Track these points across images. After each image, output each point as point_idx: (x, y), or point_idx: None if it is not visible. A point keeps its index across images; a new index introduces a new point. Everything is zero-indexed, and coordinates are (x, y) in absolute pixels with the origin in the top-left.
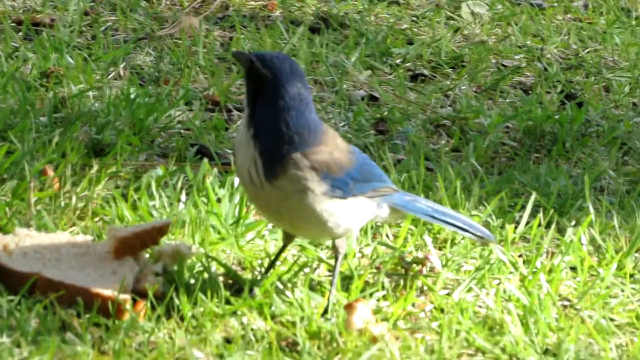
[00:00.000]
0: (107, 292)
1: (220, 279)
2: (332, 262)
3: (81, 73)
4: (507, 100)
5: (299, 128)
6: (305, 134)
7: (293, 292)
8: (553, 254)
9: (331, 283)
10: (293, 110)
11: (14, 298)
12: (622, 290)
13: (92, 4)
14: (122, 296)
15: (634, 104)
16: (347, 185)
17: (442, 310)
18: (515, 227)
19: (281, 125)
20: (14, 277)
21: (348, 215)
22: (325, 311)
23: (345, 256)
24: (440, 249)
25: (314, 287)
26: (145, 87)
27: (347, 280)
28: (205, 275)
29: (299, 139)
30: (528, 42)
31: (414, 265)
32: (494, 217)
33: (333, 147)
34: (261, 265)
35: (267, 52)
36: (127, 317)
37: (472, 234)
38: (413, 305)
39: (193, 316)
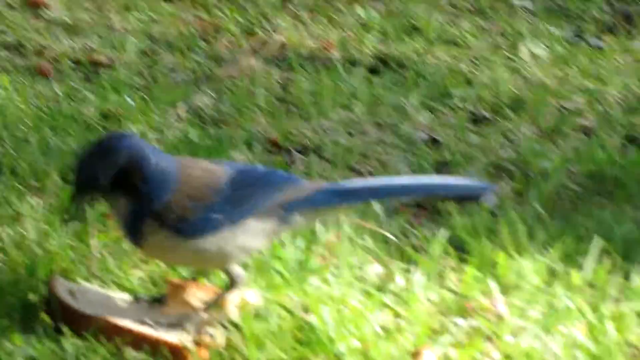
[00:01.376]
0: (172, 340)
1: (286, 325)
2: (398, 307)
3: (141, 114)
4: (569, 143)
5: (152, 196)
6: (155, 200)
7: (359, 338)
8: (618, 300)
9: (214, 299)
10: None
11: (79, 342)
12: None
13: (150, 43)
14: (188, 344)
15: None
16: (210, 220)
17: (508, 357)
18: (580, 272)
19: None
20: (79, 319)
21: (227, 246)
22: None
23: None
24: (505, 294)
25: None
26: (205, 129)
27: (413, 327)
28: (271, 321)
29: (149, 206)
30: (588, 84)
31: (480, 311)
32: (558, 262)
33: (184, 192)
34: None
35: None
36: None
37: (455, 193)
38: (480, 352)
39: None
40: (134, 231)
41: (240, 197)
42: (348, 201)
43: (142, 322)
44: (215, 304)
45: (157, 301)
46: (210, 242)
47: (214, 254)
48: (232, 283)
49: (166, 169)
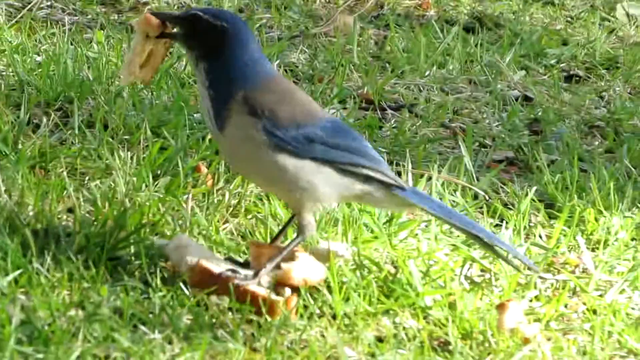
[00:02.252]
0: (260, 291)
1: (373, 277)
2: (485, 262)
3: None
4: None
5: (248, 73)
6: (252, 78)
7: (446, 291)
8: None
9: (278, 254)
10: (250, 60)
11: (165, 294)
12: None
13: (247, 1)
14: (275, 296)
15: None
16: (299, 142)
17: (594, 312)
18: None
19: (234, 73)
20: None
21: (304, 176)
22: (257, 274)
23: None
24: (593, 250)
25: (465, 287)
26: (300, 85)
27: (499, 280)
28: (358, 273)
29: (244, 83)
30: None
31: (567, 266)
32: None
33: (284, 97)
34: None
35: (207, 7)
36: (279, 315)
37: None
38: (565, 306)
39: (345, 315)
40: (219, 108)
41: (335, 140)
42: (422, 204)
43: (232, 276)
44: (282, 258)
45: (244, 265)
46: (291, 164)
47: (288, 179)
48: (299, 231)
49: (263, 61)
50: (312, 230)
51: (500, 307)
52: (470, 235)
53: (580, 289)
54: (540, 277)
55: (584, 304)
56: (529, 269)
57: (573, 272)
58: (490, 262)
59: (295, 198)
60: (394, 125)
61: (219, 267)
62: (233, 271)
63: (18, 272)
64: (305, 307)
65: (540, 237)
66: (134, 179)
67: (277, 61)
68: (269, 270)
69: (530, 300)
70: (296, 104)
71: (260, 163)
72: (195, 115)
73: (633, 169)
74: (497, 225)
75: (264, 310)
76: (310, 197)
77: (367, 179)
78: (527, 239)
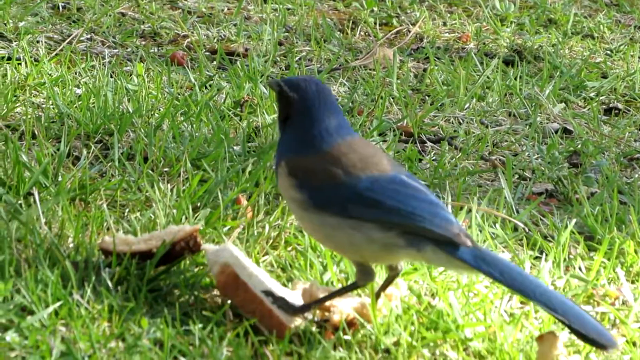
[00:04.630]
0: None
1: (413, 310)
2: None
3: (275, 103)
4: None
5: (305, 137)
6: (306, 144)
7: (485, 323)
8: None
9: (329, 295)
10: (315, 126)
11: (205, 325)
12: None
13: (287, 34)
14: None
15: None
16: (332, 201)
17: (634, 344)
18: None
19: (295, 138)
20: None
21: (342, 235)
22: (303, 308)
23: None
24: (632, 282)
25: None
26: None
27: (539, 312)
28: (399, 306)
29: (297, 148)
30: None
31: (607, 298)
32: None
33: (330, 159)
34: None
35: (295, 76)
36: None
37: (579, 332)
38: None
39: (385, 348)
40: (276, 164)
41: (370, 202)
42: (485, 270)
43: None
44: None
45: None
46: (327, 222)
47: (326, 236)
48: (355, 281)
49: (327, 132)
50: (367, 278)
51: (540, 339)
52: (542, 307)
53: (619, 321)
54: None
55: (624, 336)
56: (604, 347)
57: (613, 304)
58: None
59: (350, 257)
60: (433, 158)
61: (257, 283)
62: (271, 295)
63: (58, 303)
64: (346, 340)
65: (579, 269)
66: (174, 211)
67: None
68: (315, 306)
69: (570, 333)
70: (339, 164)
71: (302, 221)
72: (235, 147)
73: None
74: (536, 257)
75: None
76: (356, 254)
77: (412, 238)
78: (566, 271)
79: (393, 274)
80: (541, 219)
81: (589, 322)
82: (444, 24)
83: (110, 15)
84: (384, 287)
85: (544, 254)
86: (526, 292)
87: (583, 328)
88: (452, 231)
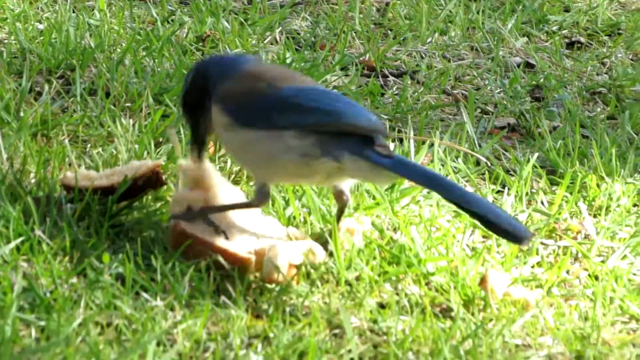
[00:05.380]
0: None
1: (375, 245)
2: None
3: (237, 37)
4: None
5: (222, 71)
6: (225, 75)
7: (447, 257)
8: None
9: (224, 206)
10: (226, 61)
11: (168, 261)
12: None
13: None
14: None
15: None
16: (254, 115)
17: (596, 278)
18: None
19: (216, 79)
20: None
21: (263, 147)
22: (201, 213)
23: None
24: (595, 216)
25: (467, 253)
26: (301, 52)
27: (501, 247)
28: (360, 240)
29: (221, 81)
30: None
31: (569, 232)
32: None
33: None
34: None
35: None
36: (281, 281)
37: (496, 226)
38: (567, 272)
39: (347, 282)
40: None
41: (292, 105)
42: (404, 174)
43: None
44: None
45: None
46: (245, 137)
47: (244, 154)
48: (250, 200)
49: (231, 64)
50: (264, 199)
51: (482, 283)
52: (459, 204)
53: (582, 255)
54: (542, 244)
55: (586, 270)
56: (521, 240)
57: (575, 238)
58: None
59: (255, 171)
60: (395, 92)
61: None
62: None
63: (20, 239)
64: (308, 274)
65: (542, 203)
66: (136, 146)
67: (279, 28)
68: (210, 212)
69: (532, 267)
70: (262, 79)
71: (227, 143)
72: None
73: (635, 135)
74: (499, 191)
75: (225, 264)
76: (271, 169)
77: (328, 146)
78: (528, 205)
79: (341, 205)
80: (503, 153)
81: (504, 217)
82: None
83: None
84: (337, 219)
85: (506, 188)
86: (444, 191)
87: (497, 220)
88: (372, 123)
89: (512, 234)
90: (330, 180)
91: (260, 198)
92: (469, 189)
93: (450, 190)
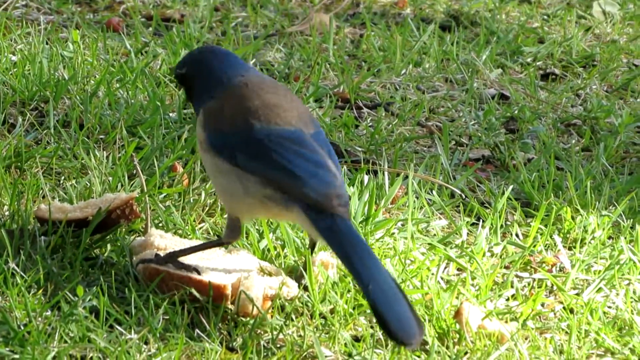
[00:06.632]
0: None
1: (350, 278)
2: (462, 261)
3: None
4: (639, 99)
5: (207, 86)
6: (210, 90)
7: (422, 290)
8: None
9: (193, 247)
10: (211, 74)
11: (142, 294)
12: None
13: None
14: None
15: None
16: (223, 147)
17: (571, 311)
18: None
19: (202, 92)
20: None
21: (228, 182)
22: (170, 256)
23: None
24: (570, 248)
25: (442, 286)
26: None
27: (475, 279)
28: (335, 273)
29: (206, 97)
30: None
31: (544, 264)
32: (624, 217)
33: (231, 100)
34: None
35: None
36: (255, 314)
37: (383, 322)
38: (542, 305)
39: (322, 315)
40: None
41: (255, 151)
42: (331, 243)
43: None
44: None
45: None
46: (217, 165)
47: (217, 182)
48: (221, 237)
49: (224, 72)
50: (234, 235)
51: (457, 315)
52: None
53: (557, 288)
54: (517, 276)
55: (561, 302)
56: (402, 344)
57: (550, 270)
58: (467, 261)
59: (227, 208)
60: (370, 124)
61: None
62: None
63: None
64: (282, 307)
65: (517, 235)
66: (110, 178)
67: (253, 60)
68: (179, 255)
69: (507, 299)
70: (239, 109)
71: (204, 163)
72: (171, 114)
73: (610, 167)
74: (474, 224)
75: (196, 294)
76: (234, 205)
77: (286, 196)
78: (503, 237)
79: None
80: (478, 186)
81: (396, 311)
82: None
83: None
84: (311, 251)
85: (481, 220)
86: (354, 273)
87: (385, 314)
88: (325, 194)
89: (394, 333)
90: (290, 220)
91: (230, 234)
92: (443, 221)
93: (359, 274)
